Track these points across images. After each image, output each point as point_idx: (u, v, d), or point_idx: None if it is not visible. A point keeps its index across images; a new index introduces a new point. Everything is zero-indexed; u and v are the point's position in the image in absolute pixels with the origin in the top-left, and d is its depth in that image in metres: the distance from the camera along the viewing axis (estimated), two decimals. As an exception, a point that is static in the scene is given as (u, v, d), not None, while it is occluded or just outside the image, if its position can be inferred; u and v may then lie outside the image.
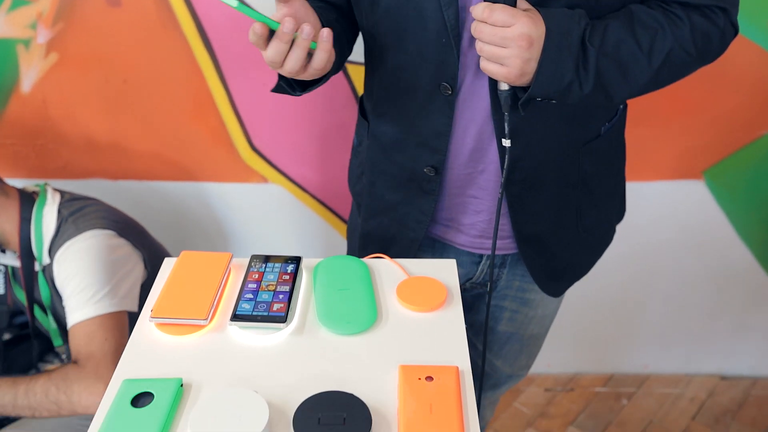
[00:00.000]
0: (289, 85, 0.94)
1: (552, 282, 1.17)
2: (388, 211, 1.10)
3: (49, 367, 1.44)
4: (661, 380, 2.04)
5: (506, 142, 0.91)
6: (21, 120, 1.55)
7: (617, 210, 1.22)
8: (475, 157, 0.99)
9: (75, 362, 1.22)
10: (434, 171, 1.00)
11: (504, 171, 0.92)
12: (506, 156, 0.91)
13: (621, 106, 1.07)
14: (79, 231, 1.29)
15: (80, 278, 1.25)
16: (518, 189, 1.01)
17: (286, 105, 1.53)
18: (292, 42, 0.82)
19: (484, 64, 0.85)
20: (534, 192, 1.02)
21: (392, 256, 0.92)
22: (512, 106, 0.88)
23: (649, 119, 1.55)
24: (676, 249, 1.79)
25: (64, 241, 1.29)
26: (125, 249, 1.33)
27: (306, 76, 0.87)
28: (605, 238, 1.22)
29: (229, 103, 1.53)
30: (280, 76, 0.92)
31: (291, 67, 0.83)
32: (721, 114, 1.56)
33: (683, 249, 1.79)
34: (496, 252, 1.11)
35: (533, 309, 1.22)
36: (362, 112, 1.13)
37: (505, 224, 1.07)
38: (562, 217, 1.08)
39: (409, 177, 1.04)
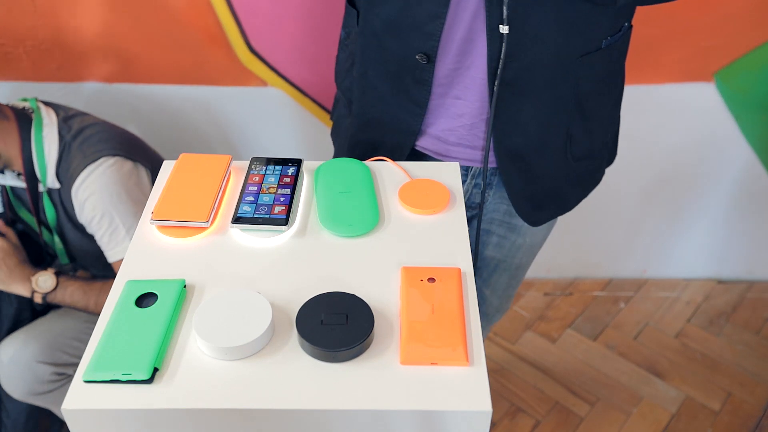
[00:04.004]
0: None
1: (531, 208, 1.13)
2: (381, 103, 1.05)
3: None
4: (659, 284, 2.07)
5: (504, 29, 0.87)
6: (9, 20, 1.49)
7: (609, 149, 1.17)
8: (465, 48, 0.95)
9: None
10: (426, 59, 0.96)
11: (501, 60, 0.89)
12: (503, 44, 0.88)
13: (626, 24, 1.01)
14: (88, 160, 1.30)
15: (109, 217, 1.29)
16: (506, 92, 0.96)
17: (286, 3, 1.47)
18: None
19: None
20: (522, 98, 0.97)
21: (386, 154, 0.90)
22: None
23: (657, 17, 1.49)
24: (680, 154, 1.77)
25: (77, 171, 1.30)
26: (136, 171, 1.34)
27: None
28: (594, 175, 1.18)
29: (225, 1, 1.47)
30: None
31: None
32: (734, 12, 1.50)
33: (687, 154, 1.77)
34: (477, 165, 1.07)
35: (521, 236, 1.20)
36: (350, 1, 1.07)
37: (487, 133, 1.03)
38: (550, 137, 1.03)
39: (401, 66, 0.99)
